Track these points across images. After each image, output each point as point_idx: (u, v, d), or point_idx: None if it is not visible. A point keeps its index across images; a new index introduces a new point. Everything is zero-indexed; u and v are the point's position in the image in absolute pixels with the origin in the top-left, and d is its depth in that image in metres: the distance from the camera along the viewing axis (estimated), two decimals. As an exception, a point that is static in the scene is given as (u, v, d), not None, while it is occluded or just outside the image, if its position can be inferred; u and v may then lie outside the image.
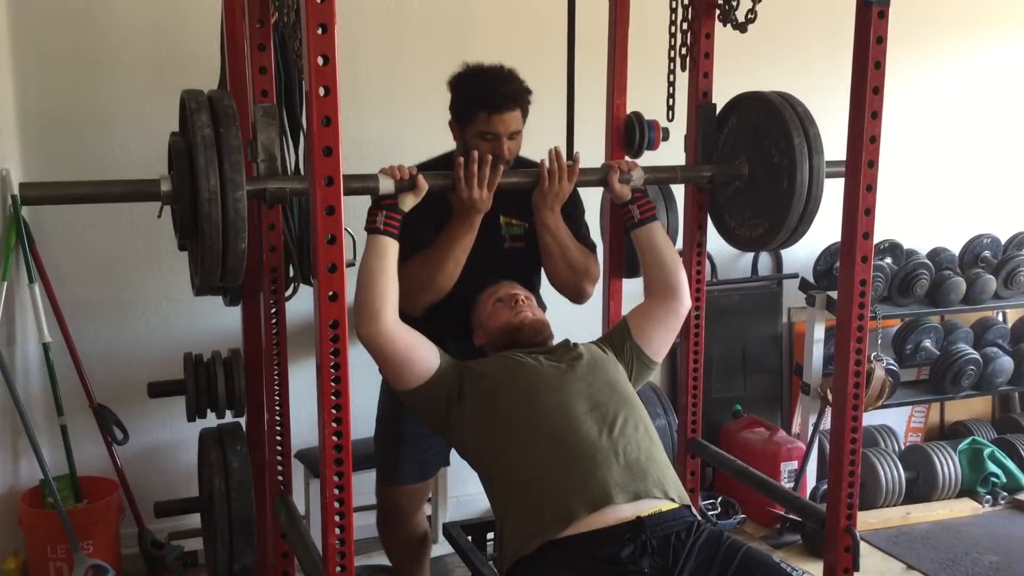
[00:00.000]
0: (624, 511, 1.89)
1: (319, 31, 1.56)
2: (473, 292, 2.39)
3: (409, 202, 2.11)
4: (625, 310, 2.63)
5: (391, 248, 2.08)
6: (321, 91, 1.59)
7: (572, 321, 2.58)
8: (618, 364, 2.25)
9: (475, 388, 2.13)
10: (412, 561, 2.76)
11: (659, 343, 2.33)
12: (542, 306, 2.58)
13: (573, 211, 2.52)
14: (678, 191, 2.73)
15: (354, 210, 1.89)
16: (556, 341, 2.35)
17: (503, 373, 2.15)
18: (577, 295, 2.52)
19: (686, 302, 2.35)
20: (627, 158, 2.60)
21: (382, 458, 2.62)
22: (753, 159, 2.39)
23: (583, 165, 2.85)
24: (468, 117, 2.33)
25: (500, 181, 2.23)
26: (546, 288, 2.66)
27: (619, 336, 2.33)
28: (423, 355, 2.13)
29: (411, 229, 2.16)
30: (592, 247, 2.60)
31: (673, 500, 1.96)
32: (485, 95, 2.30)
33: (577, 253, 2.46)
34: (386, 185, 2.07)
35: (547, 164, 2.29)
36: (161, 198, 1.83)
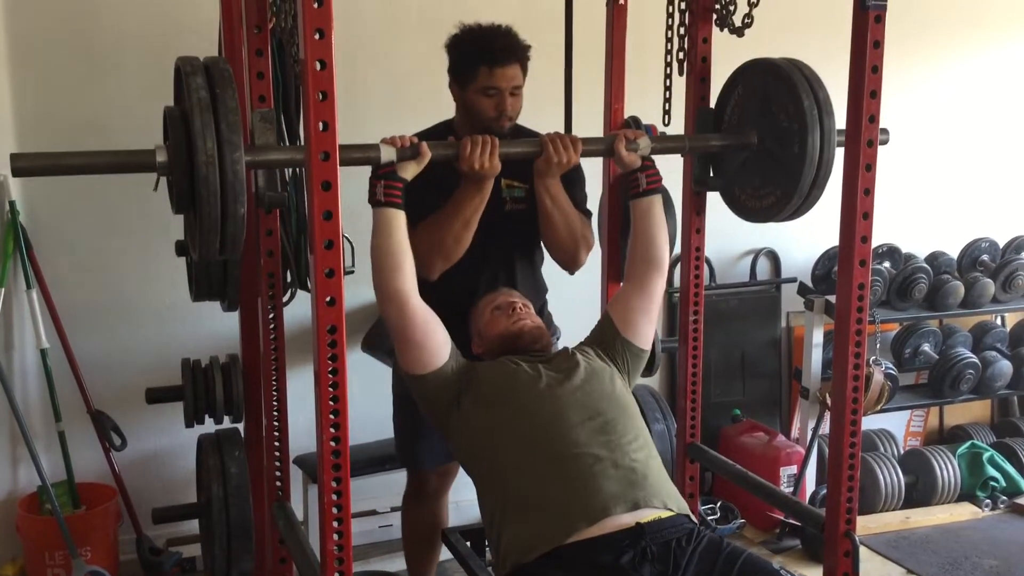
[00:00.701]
0: (623, 520, 1.88)
1: (316, 36, 1.56)
2: (474, 254, 2.39)
3: (411, 170, 2.05)
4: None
5: (396, 219, 2.03)
6: (319, 96, 1.59)
7: (569, 324, 2.58)
8: (614, 371, 2.24)
9: (474, 391, 2.12)
10: (425, 546, 2.78)
11: (644, 329, 2.32)
12: (543, 288, 2.59)
13: (574, 174, 2.53)
14: (676, 196, 2.73)
15: (351, 215, 1.88)
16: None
17: (502, 379, 2.14)
18: (571, 262, 2.53)
19: (663, 273, 2.33)
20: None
21: (400, 444, 2.67)
22: (762, 127, 2.33)
23: (583, 169, 2.85)
24: (469, 74, 2.35)
25: (506, 151, 2.21)
26: (549, 281, 2.67)
27: (606, 333, 2.32)
28: (438, 343, 2.13)
29: (416, 196, 2.13)
30: (588, 215, 2.64)
31: (672, 510, 1.95)
32: (484, 49, 2.32)
33: (576, 219, 2.47)
34: (387, 154, 2.02)
35: (550, 136, 2.28)
36: (156, 169, 1.76)
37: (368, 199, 2.05)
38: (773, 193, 2.32)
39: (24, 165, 1.80)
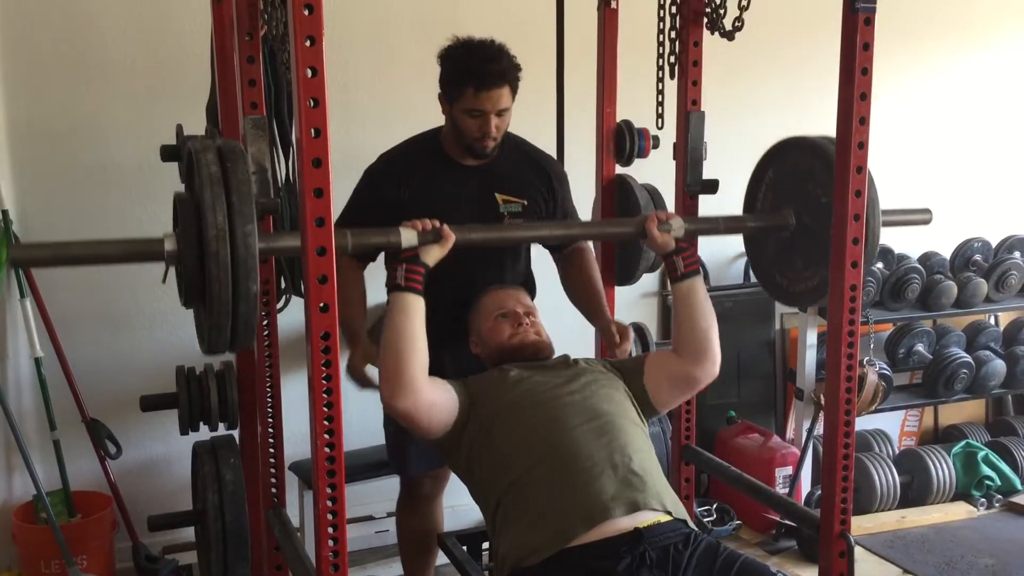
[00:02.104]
0: (622, 523, 1.87)
1: (307, 43, 1.57)
2: (467, 269, 2.38)
3: (434, 255, 2.01)
4: (617, 317, 2.64)
5: (417, 305, 1.99)
6: (310, 103, 1.59)
7: (565, 328, 2.58)
8: (620, 384, 2.21)
9: (476, 411, 2.10)
10: (421, 551, 2.78)
11: (667, 399, 2.25)
12: (533, 287, 2.60)
13: (560, 185, 2.57)
14: (668, 199, 2.73)
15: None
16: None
17: (500, 390, 2.13)
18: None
19: (711, 373, 2.20)
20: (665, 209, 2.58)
21: (392, 450, 2.67)
22: (799, 206, 2.28)
23: (575, 177, 2.87)
24: (456, 92, 2.33)
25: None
26: (540, 277, 2.68)
27: (631, 373, 2.24)
28: (449, 408, 2.07)
29: (361, 201, 2.10)
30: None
31: (670, 513, 1.95)
32: (473, 71, 2.29)
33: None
34: (408, 238, 1.98)
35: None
36: (164, 258, 1.69)
37: (386, 283, 2.01)
38: (817, 274, 2.25)
39: (25, 256, 1.73)
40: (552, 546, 1.86)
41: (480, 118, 2.32)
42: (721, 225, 2.36)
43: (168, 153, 2.30)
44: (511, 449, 2.02)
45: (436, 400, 2.04)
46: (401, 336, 1.97)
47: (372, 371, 2.55)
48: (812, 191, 2.21)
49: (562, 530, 1.87)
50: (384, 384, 1.99)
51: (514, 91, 2.34)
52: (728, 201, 3.07)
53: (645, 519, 1.89)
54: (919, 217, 2.37)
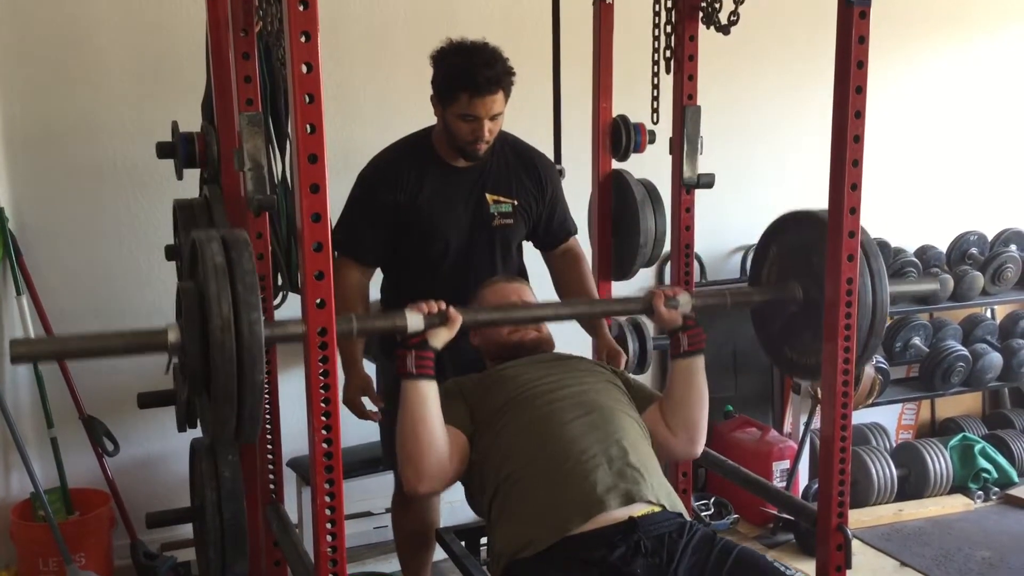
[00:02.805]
0: (616, 514, 1.88)
1: (302, 39, 1.57)
2: (460, 272, 2.38)
3: (442, 338, 1.99)
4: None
5: (431, 391, 1.97)
6: (306, 99, 1.59)
7: (559, 327, 2.58)
8: (620, 384, 2.22)
9: (479, 425, 2.10)
10: (417, 547, 2.79)
11: (658, 439, 2.18)
12: (525, 279, 2.61)
13: (556, 192, 2.58)
14: (665, 193, 2.74)
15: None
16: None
17: (497, 393, 2.13)
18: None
19: (691, 453, 2.19)
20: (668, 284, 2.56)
21: (387, 445, 2.66)
22: (805, 281, 2.25)
23: (571, 172, 2.87)
24: (449, 97, 2.32)
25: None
26: (535, 282, 2.68)
27: (636, 397, 2.22)
28: (465, 456, 2.06)
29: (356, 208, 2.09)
30: (572, 230, 2.66)
31: (665, 505, 1.95)
32: (468, 77, 2.27)
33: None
34: (414, 322, 1.95)
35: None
36: (168, 350, 1.66)
37: (397, 370, 1.99)
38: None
39: (25, 352, 1.66)
40: (548, 538, 1.86)
41: (474, 123, 2.31)
42: (728, 300, 2.31)
43: (164, 150, 2.30)
44: (507, 444, 2.03)
45: (457, 468, 2.04)
46: (420, 424, 1.96)
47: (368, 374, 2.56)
48: (817, 264, 2.17)
49: (558, 522, 1.87)
50: (409, 472, 1.98)
51: (507, 95, 2.34)
52: (724, 198, 3.08)
53: (640, 509, 1.90)
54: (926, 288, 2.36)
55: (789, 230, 2.35)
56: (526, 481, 1.96)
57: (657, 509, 1.92)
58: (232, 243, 1.65)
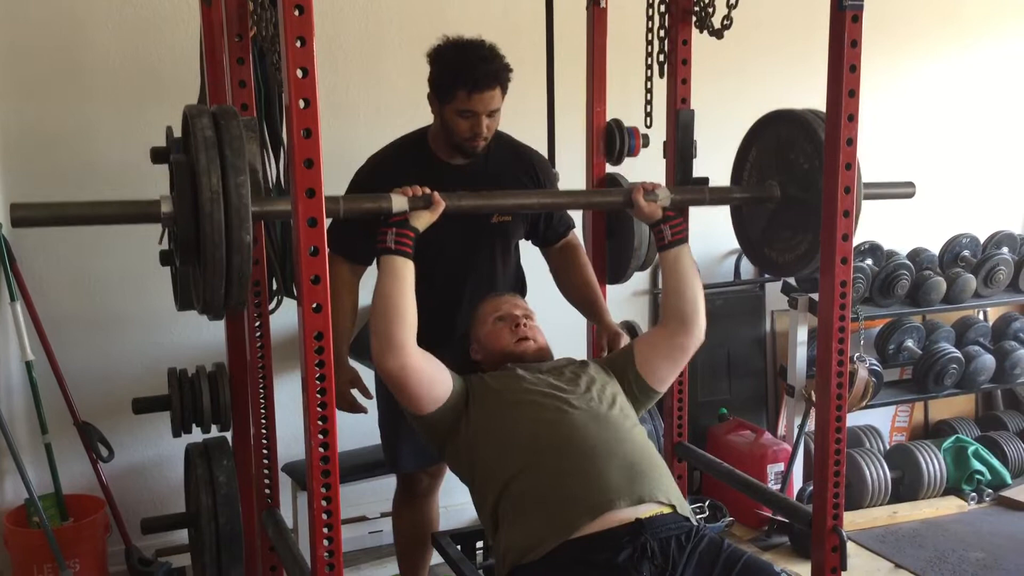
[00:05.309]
0: (624, 514, 1.87)
1: (298, 44, 1.57)
2: (458, 267, 2.38)
3: (424, 220, 2.03)
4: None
5: (406, 269, 2.01)
6: (301, 104, 1.59)
7: (554, 326, 2.58)
8: (618, 387, 2.22)
9: (477, 404, 2.11)
10: (419, 548, 2.79)
11: (663, 374, 2.26)
12: (524, 292, 2.61)
13: (547, 183, 2.58)
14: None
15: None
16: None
17: (504, 390, 2.13)
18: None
19: (697, 337, 2.24)
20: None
21: (387, 447, 2.67)
22: (783, 178, 2.31)
23: (566, 176, 2.87)
24: (447, 94, 2.32)
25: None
26: (530, 281, 2.69)
27: (622, 362, 2.27)
28: (441, 381, 2.09)
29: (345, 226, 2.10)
30: (571, 224, 2.67)
31: (674, 507, 1.95)
32: (466, 73, 2.28)
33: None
34: (399, 203, 2.00)
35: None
36: (161, 220, 1.73)
37: (377, 245, 2.03)
38: (804, 239, 2.28)
39: (25, 215, 1.73)
40: (555, 538, 1.86)
41: (472, 119, 2.32)
42: (707, 195, 2.39)
43: (158, 155, 2.29)
44: (513, 446, 2.03)
45: (426, 368, 2.06)
46: (391, 299, 2.00)
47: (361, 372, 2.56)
48: (795, 160, 2.25)
49: (565, 522, 1.87)
50: (374, 343, 2.02)
51: (505, 91, 2.35)
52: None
53: (647, 511, 1.89)
54: (902, 191, 2.38)
55: (768, 131, 2.39)
56: (533, 482, 1.96)
57: (667, 510, 1.92)
58: (221, 115, 1.71)
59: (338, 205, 1.94)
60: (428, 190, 2.05)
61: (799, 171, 2.24)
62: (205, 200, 1.64)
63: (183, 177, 1.70)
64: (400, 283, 2.00)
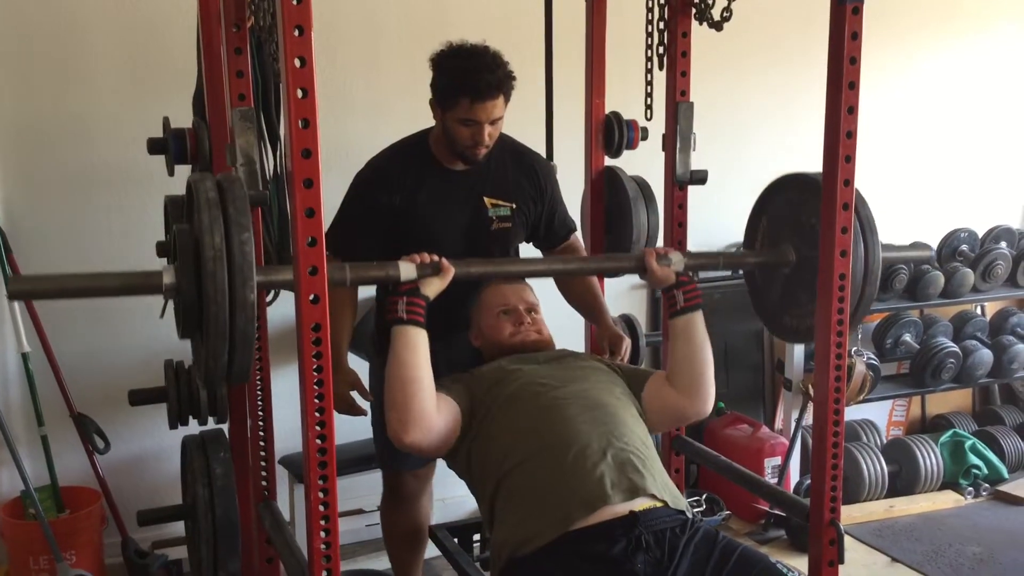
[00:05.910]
0: (619, 508, 1.87)
1: (296, 33, 1.56)
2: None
3: (434, 288, 2.01)
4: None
5: (420, 338, 1.98)
6: (299, 93, 1.58)
7: (558, 327, 2.58)
8: (620, 380, 2.22)
9: (478, 406, 2.11)
10: (408, 548, 2.78)
11: (659, 423, 2.23)
12: None
13: (554, 191, 2.57)
14: (658, 190, 2.74)
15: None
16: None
17: (500, 384, 2.13)
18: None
19: (702, 411, 2.17)
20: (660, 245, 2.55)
21: (380, 444, 2.65)
22: (796, 241, 2.26)
23: (564, 169, 2.86)
24: (450, 102, 2.30)
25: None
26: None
27: (634, 382, 2.23)
28: (455, 421, 2.06)
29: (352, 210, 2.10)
30: (573, 227, 2.66)
31: (667, 502, 1.94)
32: (469, 82, 2.26)
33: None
34: (407, 271, 1.98)
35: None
36: (163, 292, 1.68)
37: (387, 316, 2.00)
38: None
39: (22, 289, 1.69)
40: (551, 532, 1.86)
41: (474, 127, 2.30)
42: (721, 261, 2.33)
43: (155, 146, 2.28)
44: (509, 439, 2.03)
45: (445, 423, 2.04)
46: (409, 370, 1.97)
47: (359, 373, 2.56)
48: (807, 221, 2.19)
49: (561, 515, 1.87)
50: (393, 418, 1.98)
51: (508, 100, 2.33)
52: (717, 194, 3.08)
53: (641, 504, 1.89)
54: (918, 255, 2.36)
55: (777, 196, 2.35)
56: (529, 476, 1.96)
57: (659, 504, 1.92)
58: (224, 181, 1.69)
59: (344, 273, 1.92)
60: (436, 257, 2.02)
61: (813, 234, 2.15)
62: (208, 259, 1.59)
63: (186, 241, 1.67)
64: (416, 354, 1.97)
